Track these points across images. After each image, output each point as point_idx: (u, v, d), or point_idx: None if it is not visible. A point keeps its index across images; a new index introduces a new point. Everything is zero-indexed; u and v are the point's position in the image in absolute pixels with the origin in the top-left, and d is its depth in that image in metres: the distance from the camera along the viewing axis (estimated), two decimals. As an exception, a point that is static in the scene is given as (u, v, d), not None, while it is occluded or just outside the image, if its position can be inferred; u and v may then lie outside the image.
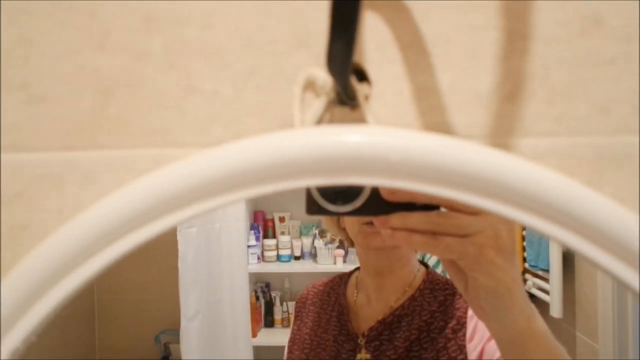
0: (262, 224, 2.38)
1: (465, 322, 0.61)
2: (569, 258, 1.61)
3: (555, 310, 1.59)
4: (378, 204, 0.33)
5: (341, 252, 2.21)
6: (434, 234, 0.33)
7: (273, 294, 2.34)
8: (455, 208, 0.33)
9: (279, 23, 0.28)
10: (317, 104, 0.27)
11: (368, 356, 0.64)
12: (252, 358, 1.96)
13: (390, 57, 0.27)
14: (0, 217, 0.28)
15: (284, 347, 0.77)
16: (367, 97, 0.27)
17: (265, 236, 2.36)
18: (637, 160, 0.26)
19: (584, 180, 0.26)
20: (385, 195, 0.33)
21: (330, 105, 0.27)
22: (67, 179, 0.28)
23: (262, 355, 2.09)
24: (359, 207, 0.33)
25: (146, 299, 2.32)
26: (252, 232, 2.26)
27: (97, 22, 0.29)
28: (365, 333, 0.65)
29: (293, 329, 0.77)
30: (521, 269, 1.82)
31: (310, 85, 0.27)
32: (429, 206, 0.34)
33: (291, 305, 2.22)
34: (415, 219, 0.33)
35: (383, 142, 0.23)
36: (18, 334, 0.22)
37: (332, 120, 0.27)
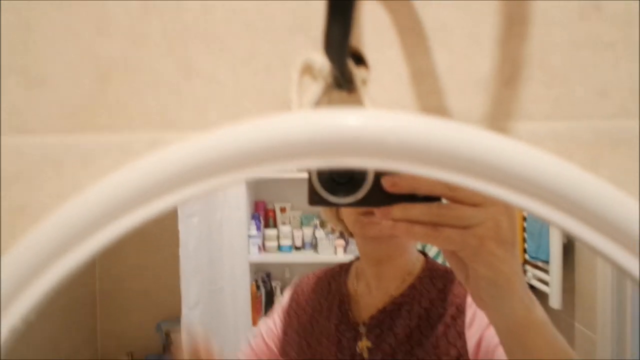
0: (263, 214, 2.38)
1: (464, 309, 0.62)
2: (569, 250, 1.61)
3: (555, 301, 1.59)
4: (379, 195, 0.34)
5: (342, 242, 2.22)
6: (434, 225, 0.33)
7: (274, 284, 2.35)
8: (456, 200, 0.33)
9: (277, 7, 0.28)
10: (315, 88, 0.27)
11: (369, 344, 0.64)
12: (252, 347, 1.98)
13: (389, 41, 0.27)
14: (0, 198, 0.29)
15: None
16: (364, 81, 0.27)
17: (267, 226, 2.37)
18: (636, 144, 0.26)
19: (581, 164, 0.26)
20: (386, 187, 0.33)
21: (327, 89, 0.27)
22: (66, 161, 0.28)
23: (263, 344, 2.10)
24: (360, 199, 0.34)
25: (148, 287, 2.33)
26: (253, 222, 2.26)
27: (96, 6, 0.29)
28: (366, 321, 0.66)
29: (286, 313, 0.77)
30: (522, 261, 1.83)
31: (308, 70, 0.27)
32: (430, 198, 0.34)
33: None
34: (416, 210, 0.33)
35: (381, 125, 0.23)
36: (17, 311, 0.22)
37: (329, 104, 0.27)
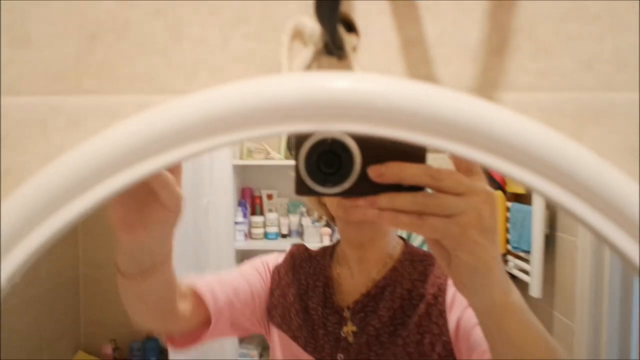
0: (250, 200, 2.37)
1: (445, 289, 0.63)
2: (550, 241, 1.65)
3: (535, 291, 1.63)
4: (366, 185, 0.34)
5: (328, 230, 2.23)
6: (419, 214, 0.34)
7: (259, 271, 2.35)
8: (440, 189, 0.34)
9: (269, -28, 0.27)
10: (305, 53, 0.27)
11: (354, 328, 0.65)
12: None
13: (379, 9, 0.27)
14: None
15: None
16: (354, 48, 0.27)
17: (253, 213, 2.36)
18: (619, 117, 0.26)
19: (565, 135, 0.26)
20: (373, 177, 0.34)
21: (318, 55, 0.27)
22: (52, 123, 0.28)
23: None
24: (347, 189, 0.34)
25: (132, 273, 2.31)
26: (240, 208, 2.26)
27: (83, -33, 0.28)
28: (350, 306, 0.67)
29: (277, 271, 0.76)
30: (504, 251, 1.85)
31: (298, 34, 0.27)
32: (415, 187, 0.34)
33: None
34: (401, 199, 0.34)
35: (370, 88, 0.23)
36: (2, 272, 0.22)
37: (319, 70, 0.27)
